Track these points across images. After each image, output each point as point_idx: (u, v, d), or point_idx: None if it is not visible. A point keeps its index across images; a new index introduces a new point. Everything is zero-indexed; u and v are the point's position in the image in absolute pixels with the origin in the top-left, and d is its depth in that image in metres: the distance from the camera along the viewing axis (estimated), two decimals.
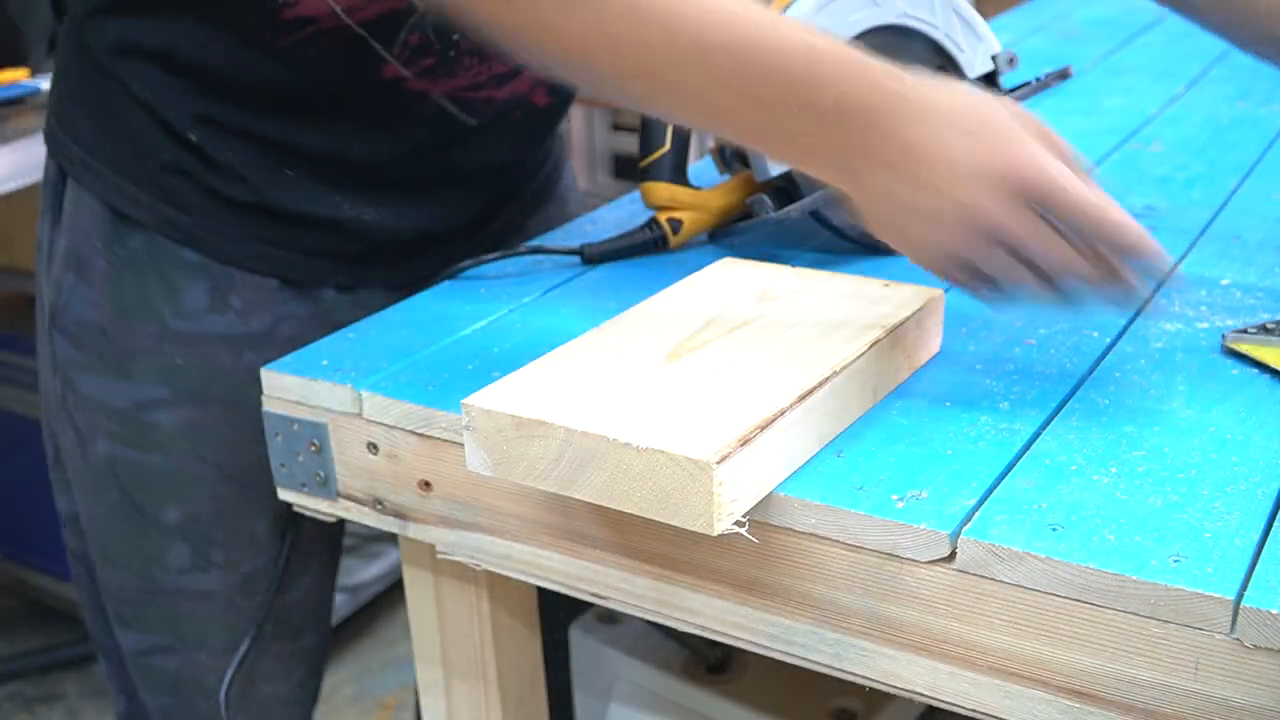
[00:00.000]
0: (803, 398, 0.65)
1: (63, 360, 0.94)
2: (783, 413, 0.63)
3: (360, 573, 2.06)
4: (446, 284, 0.93)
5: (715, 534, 0.60)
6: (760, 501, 0.63)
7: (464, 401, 0.65)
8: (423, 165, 0.94)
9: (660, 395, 0.65)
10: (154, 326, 0.90)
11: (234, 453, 0.92)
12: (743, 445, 0.60)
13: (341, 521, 0.88)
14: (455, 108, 0.91)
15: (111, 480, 0.93)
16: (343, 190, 0.92)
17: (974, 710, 0.63)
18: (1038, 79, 0.98)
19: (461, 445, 0.68)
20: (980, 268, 0.67)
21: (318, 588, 1.01)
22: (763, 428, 0.62)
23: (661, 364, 0.69)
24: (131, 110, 0.88)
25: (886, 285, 0.78)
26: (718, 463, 0.59)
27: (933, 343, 0.77)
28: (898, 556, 0.61)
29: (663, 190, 0.96)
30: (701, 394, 0.65)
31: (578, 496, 0.64)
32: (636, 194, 1.01)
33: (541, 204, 1.08)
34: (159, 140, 0.88)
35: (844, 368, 0.68)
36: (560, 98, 0.98)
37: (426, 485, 0.77)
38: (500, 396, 0.65)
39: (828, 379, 0.67)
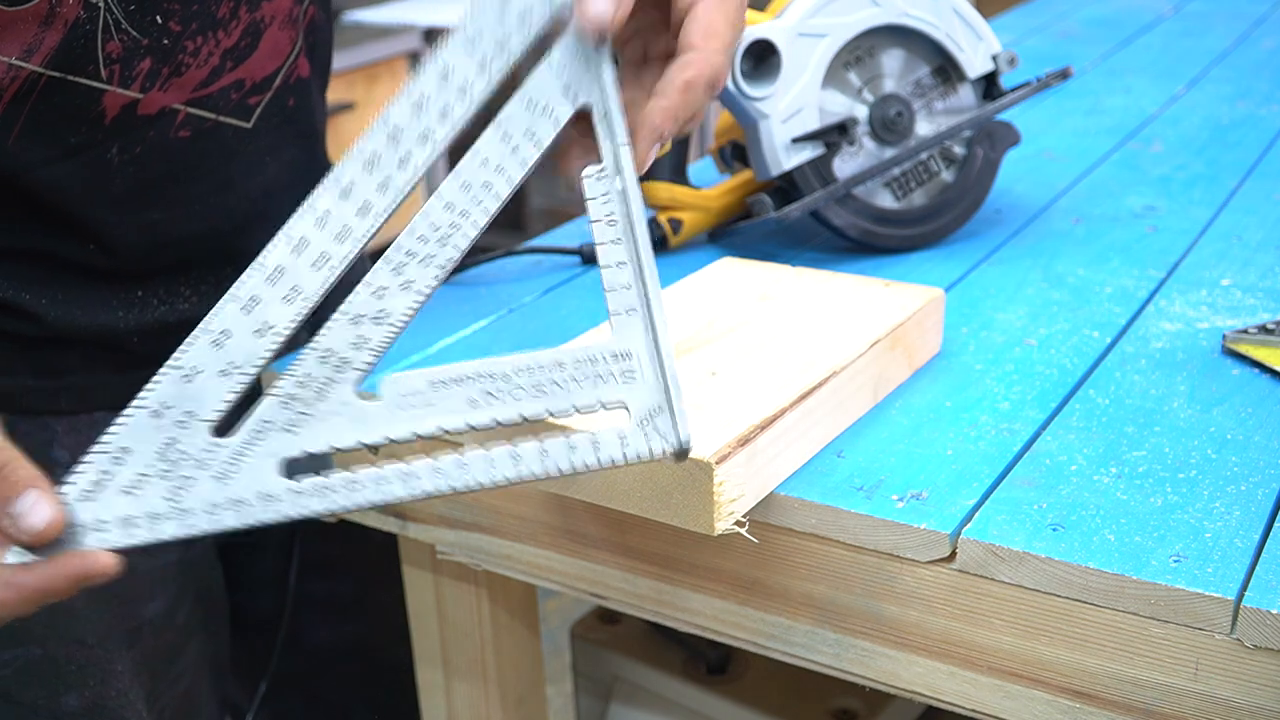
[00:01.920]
0: (803, 398, 0.65)
1: None
2: (783, 413, 0.63)
3: None
4: (445, 284, 0.93)
5: (715, 534, 0.60)
6: (760, 501, 0.63)
7: None
8: (214, 210, 0.82)
9: None
10: None
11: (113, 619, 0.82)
12: (742, 445, 0.60)
13: None
14: (211, 111, 0.79)
15: None
16: (142, 279, 0.81)
17: (974, 710, 0.63)
18: (1038, 79, 0.98)
19: (461, 445, 0.67)
20: None
21: None
22: (763, 428, 0.62)
23: None
24: None
25: (887, 285, 0.78)
26: (718, 463, 0.59)
27: (933, 343, 0.77)
28: (898, 556, 0.61)
29: (663, 190, 0.96)
30: (701, 394, 0.65)
31: (578, 496, 0.64)
32: None
33: None
34: None
35: (844, 368, 0.68)
36: (318, 62, 0.88)
37: None
38: None
39: (828, 379, 0.67)
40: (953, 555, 0.60)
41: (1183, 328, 0.81)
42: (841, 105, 0.93)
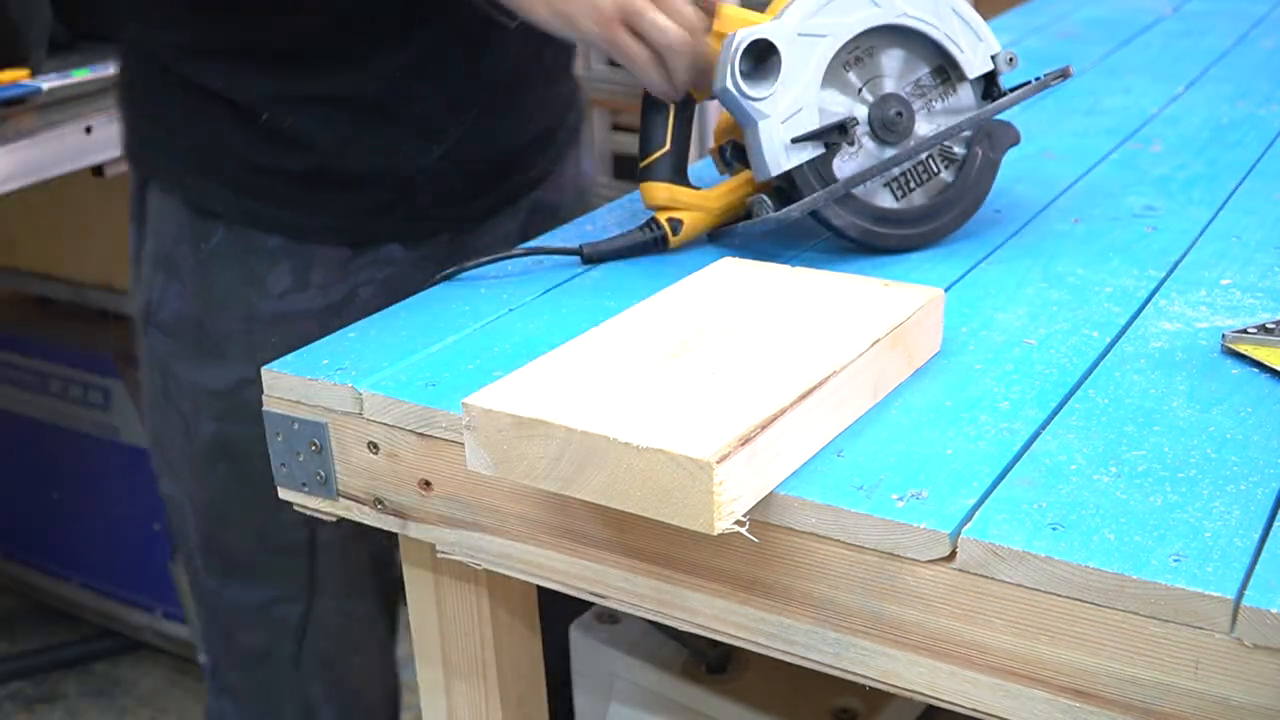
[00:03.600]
0: (803, 398, 0.65)
1: (160, 354, 1.03)
2: (783, 413, 0.63)
3: None
4: (446, 284, 0.93)
5: (715, 534, 0.60)
6: (760, 501, 0.63)
7: (464, 401, 0.66)
8: (471, 86, 1.00)
9: (660, 395, 0.65)
10: (243, 311, 0.99)
11: None
12: (743, 445, 0.60)
13: None
14: (489, 6, 0.93)
15: (220, 456, 1.03)
16: (404, 135, 0.98)
17: (974, 710, 0.63)
18: (1038, 79, 0.98)
19: (462, 445, 0.68)
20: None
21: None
22: (763, 428, 0.62)
23: (661, 364, 0.69)
24: (204, 106, 0.96)
25: (886, 285, 0.78)
26: (718, 462, 0.59)
27: (933, 343, 0.78)
28: (898, 556, 0.61)
29: (663, 190, 0.96)
30: (701, 394, 0.65)
31: (578, 496, 0.64)
32: (636, 194, 1.01)
33: (573, 148, 1.17)
34: (231, 128, 0.96)
35: (844, 368, 0.68)
36: None
37: (427, 485, 0.77)
38: (500, 396, 0.65)
39: (828, 379, 0.67)
40: (953, 555, 0.60)
41: (1182, 328, 0.81)
42: (841, 105, 0.93)
